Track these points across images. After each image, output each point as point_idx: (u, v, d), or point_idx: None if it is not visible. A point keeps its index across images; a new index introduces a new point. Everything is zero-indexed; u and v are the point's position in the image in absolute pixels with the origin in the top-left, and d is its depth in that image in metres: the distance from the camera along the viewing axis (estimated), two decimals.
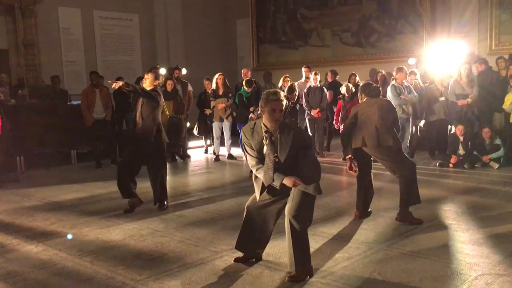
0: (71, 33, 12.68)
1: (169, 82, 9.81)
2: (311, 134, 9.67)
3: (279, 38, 14.58)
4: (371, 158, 5.47)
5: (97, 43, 13.24)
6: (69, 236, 5.08)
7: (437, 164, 8.52)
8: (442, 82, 9.08)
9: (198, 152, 11.07)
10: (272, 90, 3.81)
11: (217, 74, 9.66)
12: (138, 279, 3.87)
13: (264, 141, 3.73)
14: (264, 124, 3.73)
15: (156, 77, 5.99)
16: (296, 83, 9.21)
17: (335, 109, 9.55)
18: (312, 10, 13.86)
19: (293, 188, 3.73)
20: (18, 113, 9.04)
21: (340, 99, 9.33)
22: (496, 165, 8.13)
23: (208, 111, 9.90)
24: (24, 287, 3.81)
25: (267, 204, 3.96)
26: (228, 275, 3.91)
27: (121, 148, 9.51)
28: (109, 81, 6.06)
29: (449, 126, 9.15)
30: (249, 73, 10.94)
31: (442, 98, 8.99)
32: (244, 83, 9.48)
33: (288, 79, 10.28)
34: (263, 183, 3.82)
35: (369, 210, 5.53)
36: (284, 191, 3.79)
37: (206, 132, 10.53)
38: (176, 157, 9.97)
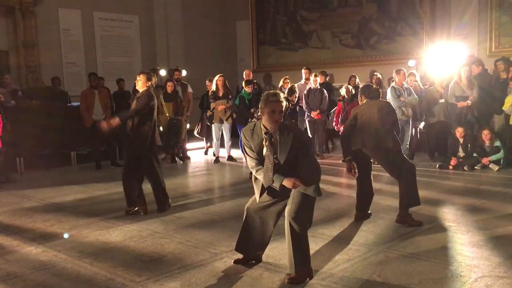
0: (71, 34, 12.68)
1: (169, 83, 9.82)
2: (310, 136, 9.69)
3: (279, 40, 14.59)
4: (371, 160, 5.47)
5: (97, 44, 13.24)
6: (66, 236, 5.08)
7: (437, 166, 8.52)
8: (442, 84, 9.09)
9: (198, 153, 11.07)
10: (272, 91, 3.82)
11: (217, 76, 9.66)
12: (137, 280, 3.87)
13: (263, 143, 3.73)
14: (263, 126, 3.73)
15: (148, 78, 5.96)
16: (296, 85, 9.21)
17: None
18: (312, 12, 13.87)
19: (293, 190, 3.73)
20: (18, 114, 9.04)
21: (340, 101, 9.34)
22: (496, 167, 8.13)
23: (208, 113, 9.90)
24: None
25: (267, 205, 3.96)
26: (228, 276, 3.91)
27: (121, 149, 9.51)
28: (101, 126, 6.04)
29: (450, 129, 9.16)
30: (251, 74, 10.97)
31: (442, 100, 8.99)
32: (243, 83, 9.49)
33: (288, 80, 10.29)
34: (262, 185, 3.82)
35: (369, 212, 5.53)
36: (284, 193, 3.79)
37: (208, 133, 10.53)
38: (176, 159, 9.97)
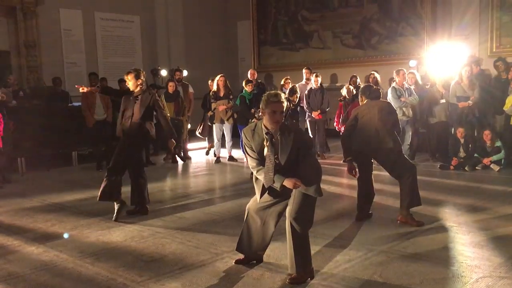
0: (72, 35, 12.70)
1: (170, 84, 9.83)
2: (311, 136, 9.69)
3: (280, 40, 14.57)
4: (372, 160, 5.47)
5: (98, 44, 13.25)
6: (67, 236, 5.09)
7: (438, 166, 8.52)
8: (443, 84, 9.08)
9: (199, 153, 11.07)
10: (272, 92, 3.82)
11: (218, 76, 9.67)
12: (138, 280, 3.88)
13: (264, 143, 3.73)
14: (264, 126, 3.73)
15: (137, 75, 5.76)
16: (297, 85, 9.21)
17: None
18: (313, 12, 13.85)
19: (293, 190, 3.73)
20: (19, 114, 9.05)
21: (341, 101, 9.33)
22: (497, 167, 8.13)
23: (209, 113, 9.90)
24: None
25: (267, 206, 3.97)
26: (229, 277, 3.91)
27: None
28: (76, 86, 5.96)
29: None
30: (256, 74, 10.96)
31: (443, 101, 8.99)
32: (244, 82, 9.49)
33: (289, 81, 10.29)
34: (263, 185, 3.82)
35: (370, 212, 5.53)
36: (284, 193, 3.79)
37: (210, 133, 10.52)
38: (177, 159, 9.97)
